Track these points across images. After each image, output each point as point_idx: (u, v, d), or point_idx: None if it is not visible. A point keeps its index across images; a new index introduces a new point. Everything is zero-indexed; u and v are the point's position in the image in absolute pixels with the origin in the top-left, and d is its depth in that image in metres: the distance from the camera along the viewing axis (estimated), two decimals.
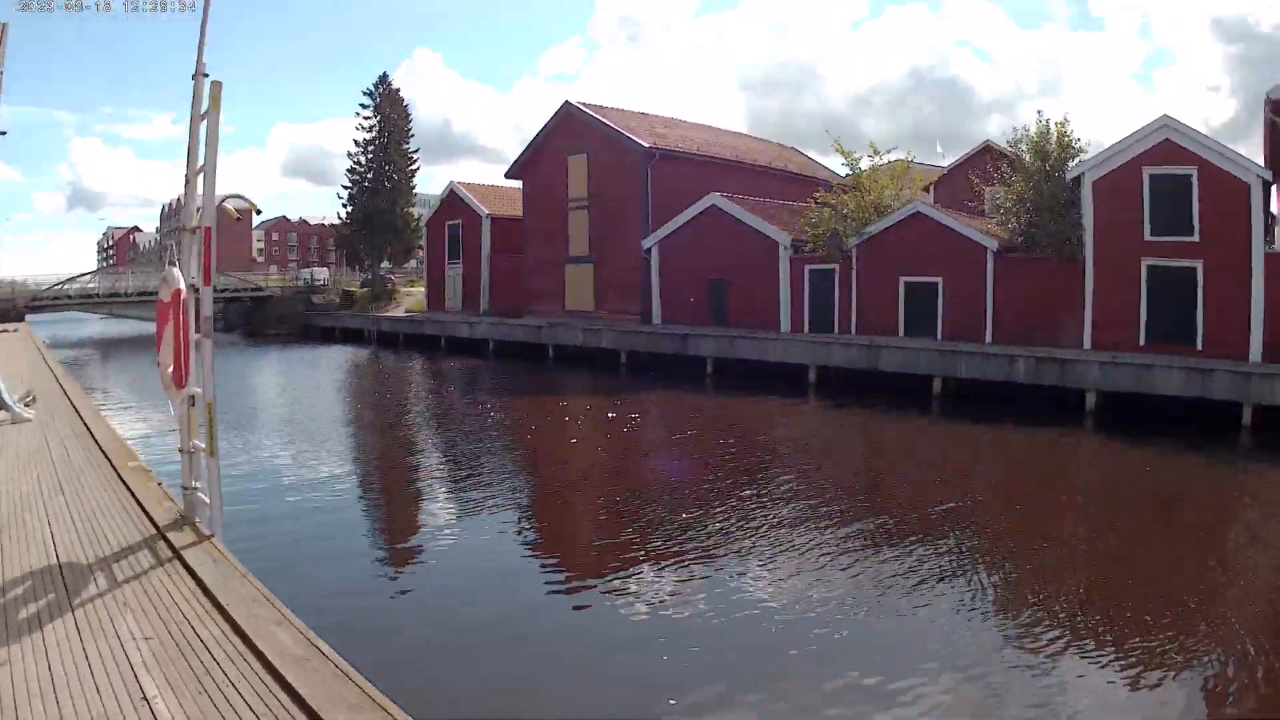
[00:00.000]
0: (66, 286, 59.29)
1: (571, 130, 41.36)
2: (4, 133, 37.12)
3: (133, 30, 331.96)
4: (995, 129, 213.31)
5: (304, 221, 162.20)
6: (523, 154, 44.36)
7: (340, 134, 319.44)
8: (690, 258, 35.48)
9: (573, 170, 41.37)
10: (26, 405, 14.81)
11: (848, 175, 34.67)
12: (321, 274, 79.77)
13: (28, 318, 51.87)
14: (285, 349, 51.15)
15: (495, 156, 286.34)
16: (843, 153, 34.56)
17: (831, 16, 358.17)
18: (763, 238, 33.18)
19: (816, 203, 33.38)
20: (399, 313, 55.77)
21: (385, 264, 69.81)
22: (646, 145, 37.50)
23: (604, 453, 20.14)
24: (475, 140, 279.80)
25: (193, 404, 8.16)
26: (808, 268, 32.16)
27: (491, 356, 40.34)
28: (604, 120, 39.83)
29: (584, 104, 41.32)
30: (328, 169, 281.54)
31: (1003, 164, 29.97)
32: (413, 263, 78.64)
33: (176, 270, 7.98)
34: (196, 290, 8.01)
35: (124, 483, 9.73)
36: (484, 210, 48.42)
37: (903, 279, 29.82)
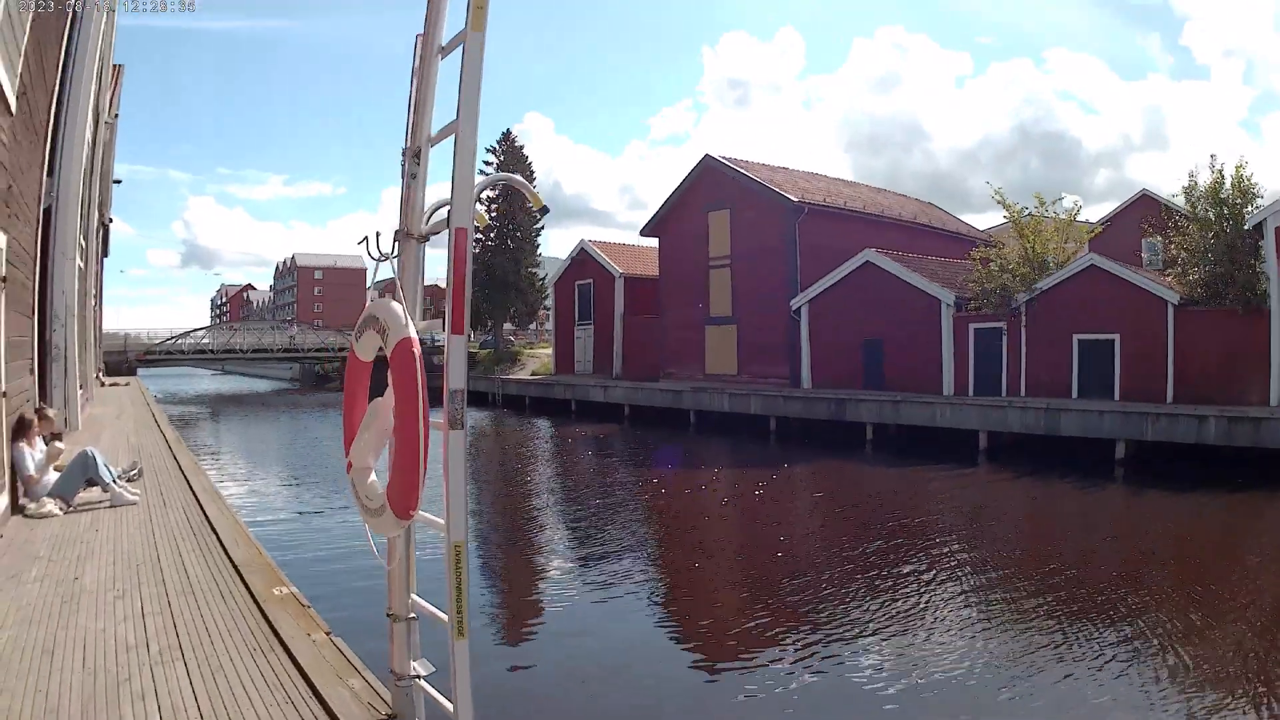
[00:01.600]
0: (180, 341, 62.16)
1: (712, 185, 42.38)
2: (119, 181, 39.94)
3: (247, 91, 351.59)
4: (1103, 182, 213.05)
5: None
6: (659, 210, 45.49)
7: (447, 195, 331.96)
8: (843, 317, 35.82)
9: (714, 227, 42.27)
10: (130, 480, 12.90)
11: (998, 228, 34.64)
12: (440, 335, 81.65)
13: (139, 371, 54.66)
14: None
15: (606, 219, 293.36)
16: (1005, 205, 34.59)
17: (936, 74, 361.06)
18: (922, 295, 33.35)
19: (977, 258, 33.49)
20: (524, 375, 57.12)
21: (507, 325, 71.50)
22: (795, 200, 38.13)
23: (752, 526, 20.02)
24: (587, 203, 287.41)
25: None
26: (973, 326, 32.13)
27: (627, 422, 41.01)
28: (748, 174, 40.64)
29: (725, 158, 42.23)
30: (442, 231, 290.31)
31: (1165, 214, 29.84)
32: (535, 324, 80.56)
33: (398, 307, 4.57)
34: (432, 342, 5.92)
35: (275, 633, 6.43)
36: (617, 269, 49.61)
37: (1076, 336, 29.62)
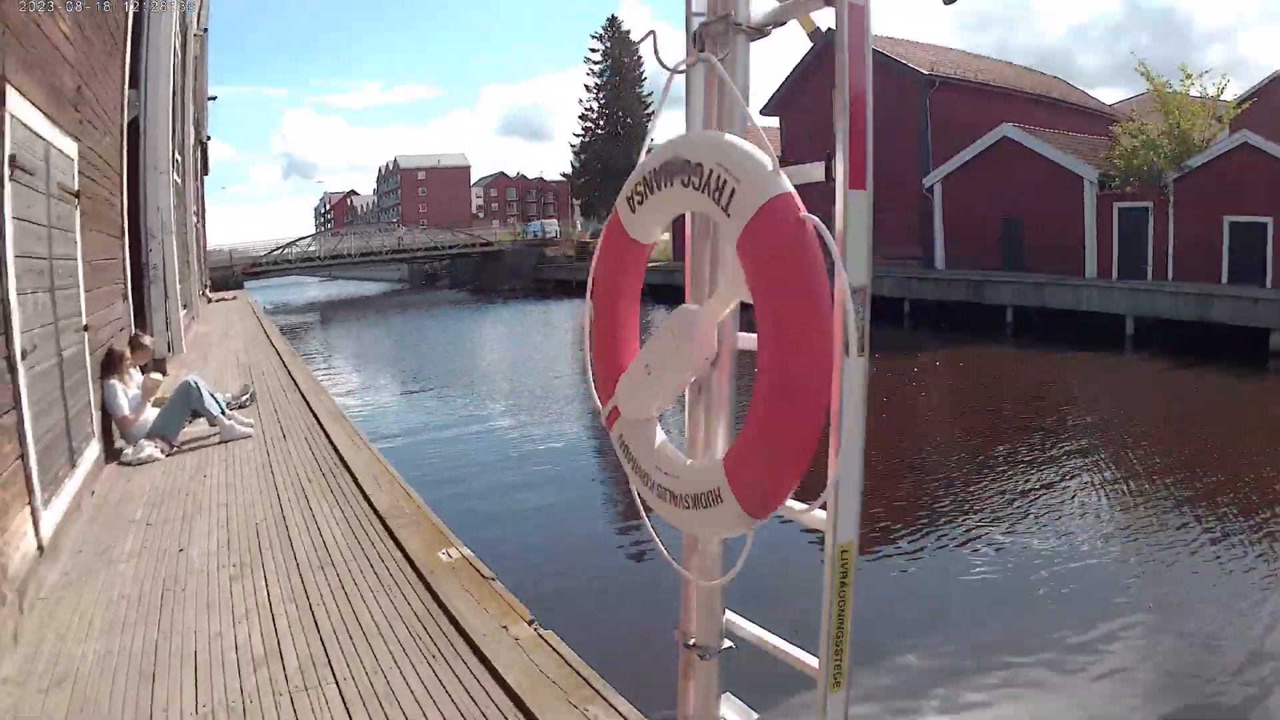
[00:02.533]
0: (286, 251, 62.89)
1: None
2: (214, 97, 40.38)
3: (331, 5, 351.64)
4: (1216, 58, 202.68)
5: (522, 176, 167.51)
6: (780, 88, 44.66)
7: (552, 90, 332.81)
8: (980, 195, 35.03)
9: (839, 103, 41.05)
10: (243, 407, 11.81)
11: (1120, 104, 33.17)
12: (552, 227, 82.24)
13: (246, 284, 55.27)
14: (521, 303, 53.66)
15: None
16: (1148, 76, 33.09)
17: None
18: (1065, 172, 32.36)
19: (1120, 133, 32.32)
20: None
21: None
22: (926, 72, 37.10)
23: (883, 416, 19.65)
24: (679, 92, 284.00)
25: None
26: (1117, 205, 31.16)
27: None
28: (877, 49, 39.41)
29: None
30: (541, 125, 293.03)
31: None
32: None
33: (748, 146, 2.15)
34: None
35: (457, 626, 4.96)
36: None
37: (1227, 219, 28.51)
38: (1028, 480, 14.04)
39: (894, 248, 38.63)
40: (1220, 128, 32.35)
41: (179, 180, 21.38)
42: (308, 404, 12.33)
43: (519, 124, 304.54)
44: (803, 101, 43.74)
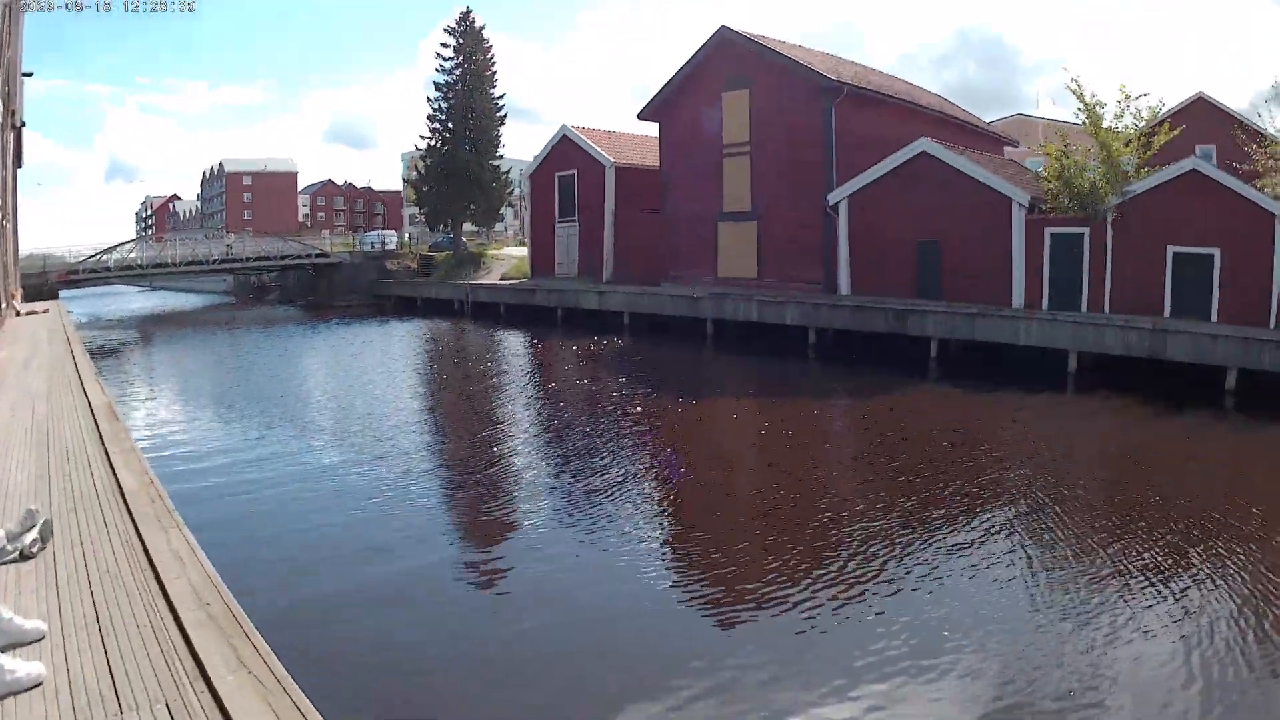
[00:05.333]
0: (104, 258, 58.66)
1: (728, 61, 39.05)
2: (30, 74, 36.42)
3: None
4: (1043, 88, 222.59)
5: (351, 185, 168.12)
6: (662, 90, 42.09)
7: (378, 97, 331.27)
8: (892, 216, 33.14)
9: (730, 109, 39.10)
10: (25, 556, 7.22)
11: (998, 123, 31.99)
12: (391, 238, 79.07)
13: (62, 294, 51.46)
14: (361, 323, 50.10)
15: (531, 118, 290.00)
16: (1081, 98, 31.72)
17: None
18: (990, 193, 30.72)
19: (1052, 154, 31.01)
20: (491, 279, 54.27)
21: (467, 225, 68.49)
22: (833, 79, 35.16)
23: (790, 465, 18.11)
24: (513, 103, 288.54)
25: None
26: (1049, 231, 29.66)
27: (627, 333, 38.48)
28: (774, 48, 37.55)
29: (746, 32, 39.02)
30: (367, 133, 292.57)
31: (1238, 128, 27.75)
32: (501, 224, 77.64)
33: None
34: None
35: None
36: (608, 158, 46.41)
37: (1171, 249, 27.32)
38: (958, 541, 12.88)
39: (790, 270, 36.58)
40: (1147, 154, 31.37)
41: None
42: (139, 535, 7.64)
43: (345, 132, 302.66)
44: (678, 111, 41.66)
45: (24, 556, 7.24)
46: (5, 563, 7.12)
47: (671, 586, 11.60)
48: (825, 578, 11.39)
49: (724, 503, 15.49)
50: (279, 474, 17.37)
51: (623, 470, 17.26)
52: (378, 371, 31.77)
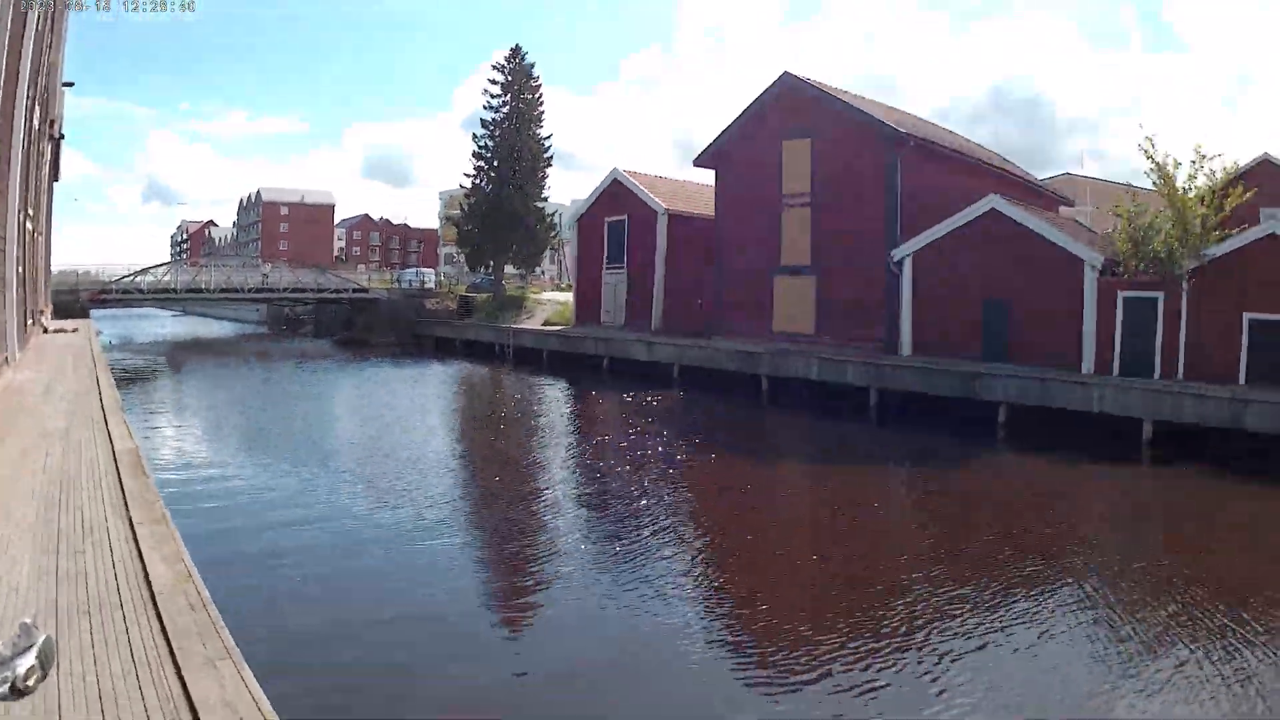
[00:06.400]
0: (138, 279, 59.72)
1: (791, 109, 39.44)
2: (71, 84, 36.97)
3: (205, 26, 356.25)
4: (1076, 148, 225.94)
5: (387, 221, 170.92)
6: (719, 137, 42.51)
7: (416, 136, 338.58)
8: (959, 273, 33.30)
9: (790, 158, 39.40)
10: (24, 691, 5.42)
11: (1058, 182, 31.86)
12: (429, 276, 79.72)
13: (93, 313, 52.42)
14: (400, 364, 50.49)
15: (569, 162, 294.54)
16: (1152, 158, 31.62)
17: (914, 29, 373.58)
18: (1061, 253, 30.83)
19: (1124, 214, 30.95)
20: (533, 324, 54.55)
21: (509, 268, 68.96)
22: (901, 131, 35.34)
23: (845, 536, 17.64)
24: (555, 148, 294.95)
25: None
26: (1122, 294, 29.60)
27: (677, 386, 38.52)
28: (839, 97, 37.80)
29: (810, 79, 39.31)
30: (405, 170, 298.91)
31: None
32: (542, 267, 78.23)
33: None
34: None
35: None
36: (660, 205, 46.79)
37: (1247, 315, 27.23)
38: (1022, 617, 12.59)
39: (850, 328, 36.60)
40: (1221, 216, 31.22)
41: None
42: (174, 662, 5.96)
43: (382, 168, 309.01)
44: (735, 158, 41.95)
45: (16, 691, 5.39)
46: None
47: (715, 655, 11.40)
48: (875, 648, 11.29)
49: (775, 570, 15.23)
50: (334, 559, 15.07)
51: (671, 531, 17.16)
52: (426, 420, 31.87)
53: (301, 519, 17.42)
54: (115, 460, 11.62)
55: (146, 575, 7.39)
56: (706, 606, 13.24)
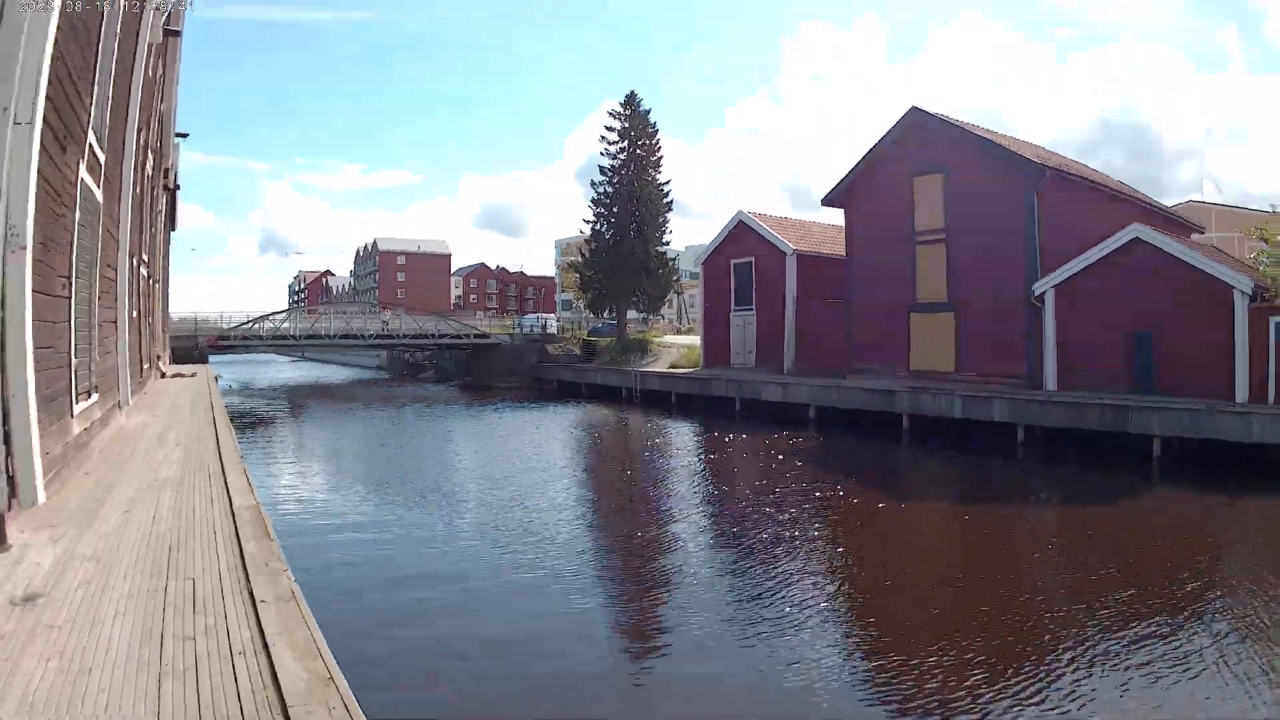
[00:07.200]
0: (257, 326, 61.94)
1: (921, 144, 40.18)
2: (185, 135, 38.85)
3: (322, 83, 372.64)
4: (1186, 176, 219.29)
5: (503, 269, 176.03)
6: (848, 175, 43.39)
7: (530, 185, 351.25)
8: (1102, 306, 33.43)
9: (922, 195, 40.06)
10: None
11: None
12: (552, 321, 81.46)
13: (211, 359, 54.46)
14: (524, 407, 51.53)
15: (681, 210, 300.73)
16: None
17: (1017, 65, 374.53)
18: (1209, 280, 30.74)
19: (1271, 238, 31.05)
20: (659, 367, 55.49)
21: (631, 313, 70.16)
22: (1035, 163, 35.73)
23: (994, 580, 17.20)
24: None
25: None
26: (1274, 320, 29.48)
27: (813, 426, 39.00)
28: (973, 130, 38.29)
29: (940, 114, 39.90)
30: (518, 220, 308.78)
31: None
32: (667, 312, 79.56)
33: None
34: None
35: None
36: (788, 245, 47.62)
37: None
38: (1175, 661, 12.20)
39: (991, 364, 36.84)
40: None
41: (93, 185, 13.75)
42: None
43: (496, 218, 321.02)
44: (864, 196, 42.77)
45: None
46: None
47: (845, 699, 11.43)
48: (1014, 695, 11.22)
49: (916, 615, 14.92)
50: (494, 650, 13.06)
51: (807, 570, 17.30)
52: (561, 463, 32.57)
53: (443, 584, 16.34)
54: (233, 518, 10.05)
55: (275, 675, 5.65)
56: (839, 650, 13.19)
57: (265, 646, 6.05)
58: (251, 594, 7.22)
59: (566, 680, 11.94)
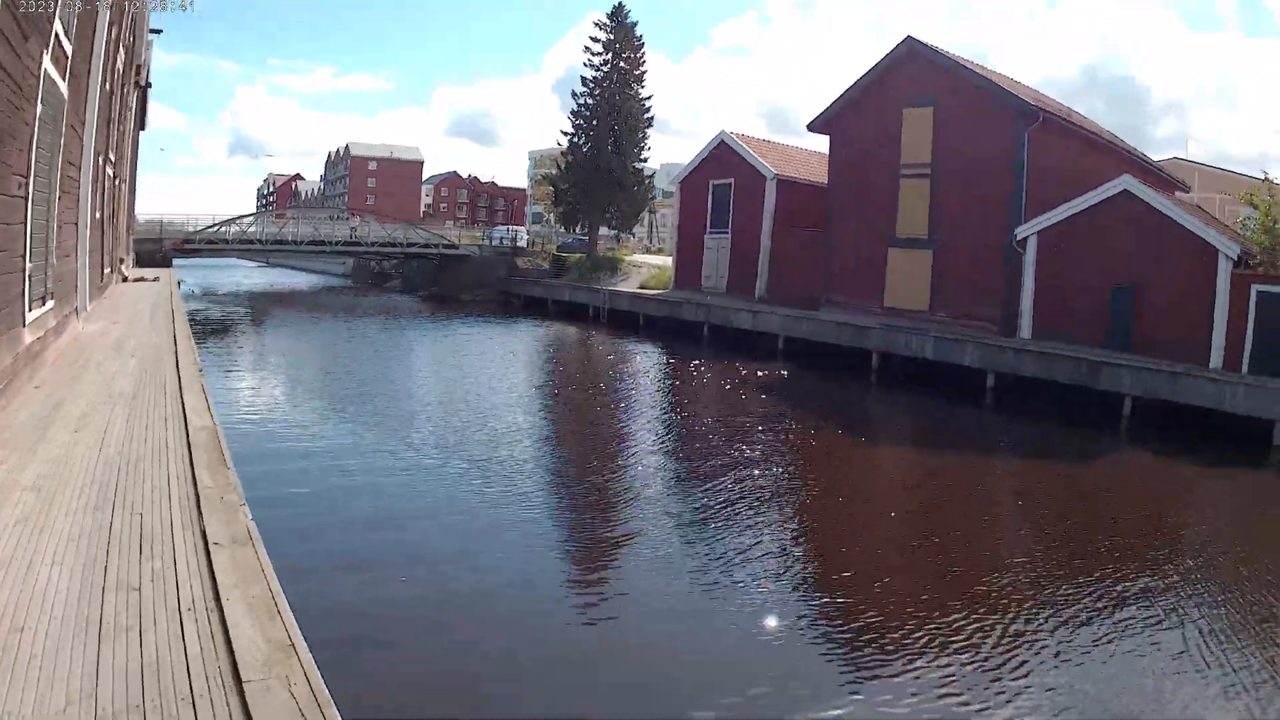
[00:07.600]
0: (223, 229, 61.02)
1: (914, 75, 39.32)
2: (159, 31, 37.97)
3: None
4: (1166, 131, 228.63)
5: (475, 179, 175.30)
6: (836, 102, 42.58)
7: (503, 97, 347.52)
8: (1085, 256, 33.00)
9: (910, 126, 39.29)
10: None
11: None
12: (522, 234, 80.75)
13: (176, 263, 53.69)
14: (492, 322, 51.26)
15: (660, 127, 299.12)
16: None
17: (1008, 5, 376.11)
18: (1194, 241, 30.35)
19: (1260, 203, 30.72)
20: (628, 287, 54.97)
21: (603, 229, 69.46)
22: (1031, 104, 35.10)
23: (951, 526, 17.14)
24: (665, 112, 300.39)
25: None
26: (1256, 288, 29.16)
27: (781, 358, 38.68)
28: (968, 66, 37.57)
29: (936, 46, 39.11)
30: (490, 130, 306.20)
31: None
32: (638, 230, 78.99)
33: None
34: None
35: None
36: (769, 169, 46.87)
37: None
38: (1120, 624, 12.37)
39: (966, 306, 36.50)
40: None
41: (57, 78, 12.98)
42: None
43: (468, 127, 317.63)
44: (851, 124, 42.06)
45: None
46: None
47: (797, 639, 11.52)
48: (962, 642, 11.34)
49: (875, 559, 15.07)
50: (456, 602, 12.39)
51: (767, 513, 17.04)
52: (526, 390, 32.16)
53: (407, 521, 15.58)
54: (189, 442, 9.49)
55: (229, 640, 5.08)
56: (794, 590, 13.23)
57: (218, 601, 5.57)
58: (204, 534, 6.72)
59: (530, 622, 11.75)
